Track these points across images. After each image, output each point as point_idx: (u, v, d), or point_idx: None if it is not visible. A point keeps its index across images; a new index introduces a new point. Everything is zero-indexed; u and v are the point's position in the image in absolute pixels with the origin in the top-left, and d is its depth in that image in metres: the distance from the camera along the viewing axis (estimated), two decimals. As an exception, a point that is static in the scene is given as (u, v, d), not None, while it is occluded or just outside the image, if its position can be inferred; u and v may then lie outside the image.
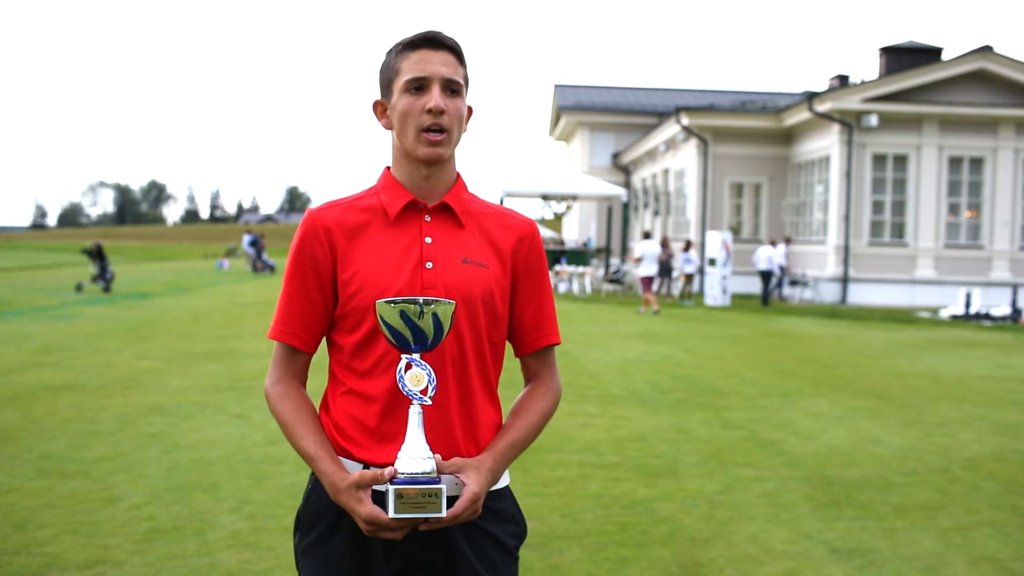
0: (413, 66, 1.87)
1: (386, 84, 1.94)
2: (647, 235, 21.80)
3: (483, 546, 1.90)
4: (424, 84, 1.87)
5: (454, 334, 1.87)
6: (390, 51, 1.93)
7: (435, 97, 1.85)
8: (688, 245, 23.88)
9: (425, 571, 1.87)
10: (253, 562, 4.28)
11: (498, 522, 1.93)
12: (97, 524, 4.75)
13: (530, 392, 2.03)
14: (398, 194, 1.93)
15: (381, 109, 1.97)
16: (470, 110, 1.99)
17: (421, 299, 1.77)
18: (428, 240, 1.90)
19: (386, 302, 1.77)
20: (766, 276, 21.89)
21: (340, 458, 1.87)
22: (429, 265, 1.88)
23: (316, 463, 1.84)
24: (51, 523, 4.76)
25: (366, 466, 1.85)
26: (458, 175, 1.99)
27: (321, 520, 1.89)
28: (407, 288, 1.85)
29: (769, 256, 21.94)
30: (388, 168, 1.99)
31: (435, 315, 1.77)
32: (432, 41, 1.89)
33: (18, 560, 4.26)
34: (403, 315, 1.76)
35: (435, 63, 1.87)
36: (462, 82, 1.90)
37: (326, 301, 1.92)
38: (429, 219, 1.93)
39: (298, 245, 1.92)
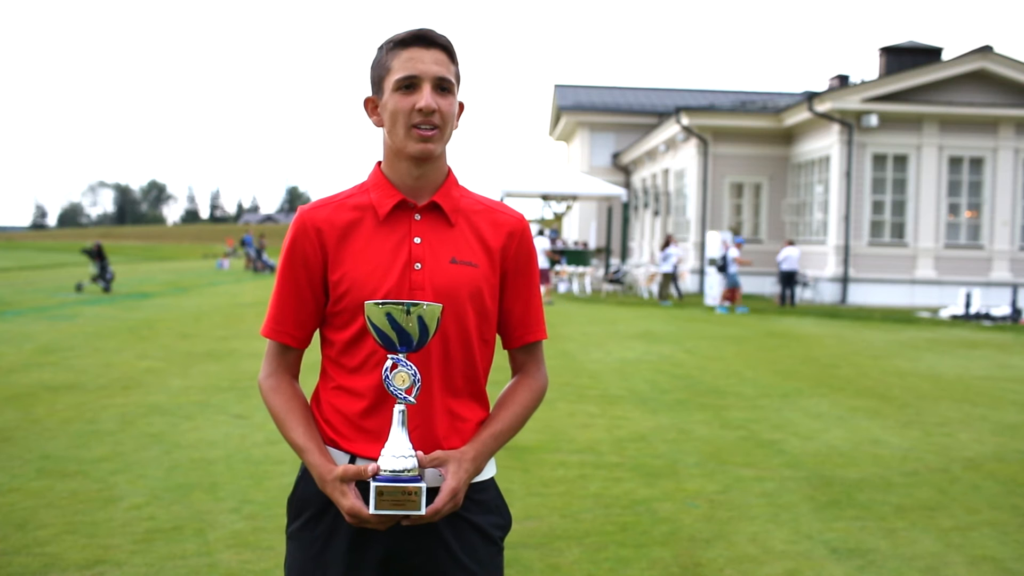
0: (404, 64, 1.87)
1: (377, 81, 1.94)
2: (540, 232, 24.79)
3: (467, 536, 1.93)
4: (415, 83, 1.87)
5: (441, 334, 1.89)
6: (381, 48, 1.93)
7: (426, 96, 1.85)
8: (667, 242, 23.47)
9: (409, 560, 1.90)
10: (253, 562, 4.28)
11: (482, 513, 1.96)
12: (97, 524, 4.75)
13: (515, 385, 2.06)
14: (388, 193, 1.94)
15: (372, 106, 1.97)
16: (462, 106, 2.00)
17: (408, 302, 1.79)
18: (417, 240, 1.92)
19: (374, 304, 1.80)
20: (790, 277, 21.68)
21: (329, 448, 1.91)
22: (417, 266, 1.90)
23: (305, 454, 1.89)
24: (51, 523, 4.75)
25: (353, 458, 1.89)
26: (449, 170, 2.00)
27: (308, 507, 1.94)
28: (395, 289, 1.88)
29: (796, 256, 21.67)
30: (379, 164, 1.99)
31: (420, 318, 1.80)
32: (423, 39, 1.88)
33: (18, 560, 4.25)
34: (389, 317, 1.79)
35: (426, 61, 1.87)
36: (453, 80, 1.90)
37: (317, 299, 1.95)
38: (419, 218, 1.94)
39: (290, 245, 1.95)
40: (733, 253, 20.67)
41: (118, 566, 4.20)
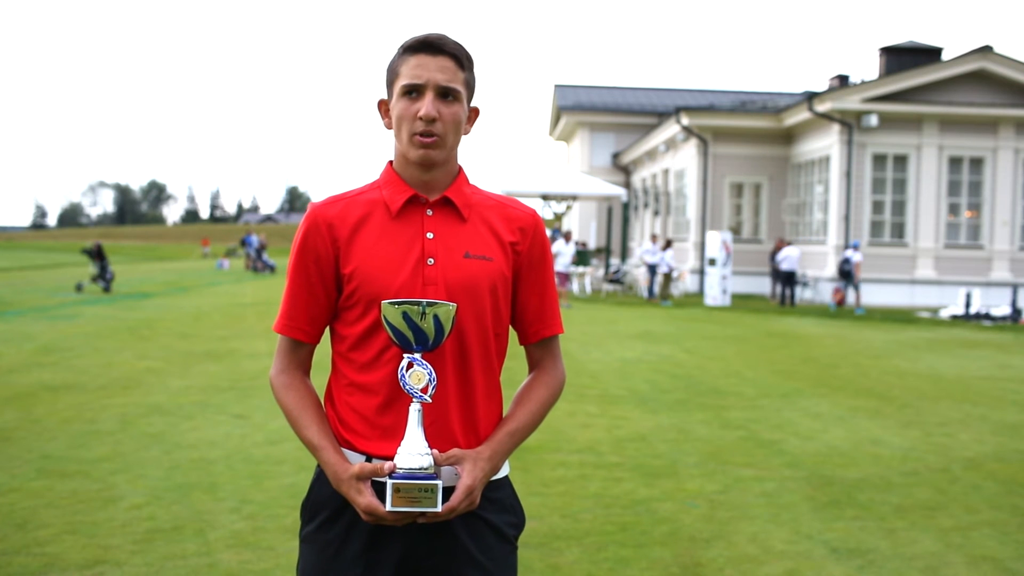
0: (410, 71, 1.88)
1: (388, 85, 1.95)
2: (566, 237, 24.76)
3: (482, 535, 1.92)
4: (418, 90, 1.87)
5: (456, 330, 1.89)
6: (397, 51, 1.94)
7: (427, 105, 1.86)
8: (667, 244, 23.38)
9: (425, 560, 1.89)
10: (253, 562, 4.28)
11: (497, 512, 1.96)
12: (97, 524, 4.75)
13: (532, 381, 2.05)
14: (400, 189, 1.94)
15: (384, 108, 1.98)
16: (476, 112, 2.00)
17: (424, 301, 1.79)
18: (430, 236, 1.92)
19: (390, 303, 1.80)
20: (790, 277, 21.67)
21: (344, 450, 1.90)
22: (430, 261, 1.89)
23: (320, 453, 1.88)
24: (51, 523, 4.76)
25: (368, 458, 1.88)
26: (460, 168, 2.00)
27: (324, 509, 1.93)
28: (408, 285, 1.87)
29: (796, 256, 21.68)
30: (391, 162, 2.00)
31: (436, 317, 1.80)
32: (431, 46, 1.88)
33: (18, 560, 4.26)
34: (405, 316, 1.79)
35: (431, 69, 1.87)
36: (460, 88, 1.90)
37: (328, 295, 1.94)
38: (431, 213, 1.94)
39: (301, 240, 1.94)
40: (857, 258, 20.65)
41: (118, 566, 4.20)
